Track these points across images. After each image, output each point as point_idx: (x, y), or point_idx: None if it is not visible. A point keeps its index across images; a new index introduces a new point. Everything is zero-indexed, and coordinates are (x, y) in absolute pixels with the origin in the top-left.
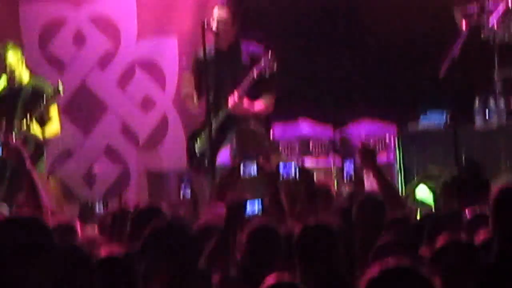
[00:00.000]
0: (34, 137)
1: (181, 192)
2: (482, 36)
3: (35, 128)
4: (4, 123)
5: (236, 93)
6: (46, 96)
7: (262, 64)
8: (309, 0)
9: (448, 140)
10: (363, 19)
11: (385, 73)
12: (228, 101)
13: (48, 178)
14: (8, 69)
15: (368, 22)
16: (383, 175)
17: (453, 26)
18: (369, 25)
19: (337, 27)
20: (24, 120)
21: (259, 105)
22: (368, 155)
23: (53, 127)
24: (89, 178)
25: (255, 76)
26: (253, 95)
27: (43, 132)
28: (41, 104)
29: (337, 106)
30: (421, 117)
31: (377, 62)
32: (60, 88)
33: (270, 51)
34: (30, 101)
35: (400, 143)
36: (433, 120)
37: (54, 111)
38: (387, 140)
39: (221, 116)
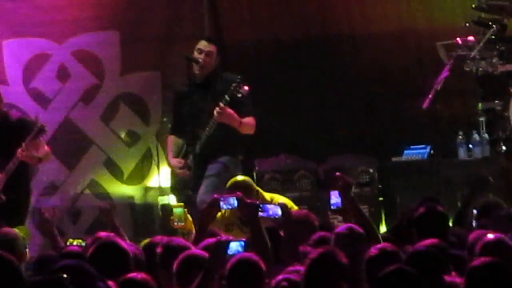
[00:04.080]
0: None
1: (174, 223)
2: (465, 67)
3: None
4: None
5: (220, 104)
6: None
7: (233, 88)
8: (291, 37)
9: (431, 171)
10: (345, 54)
11: (368, 107)
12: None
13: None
14: None
15: (350, 57)
16: (358, 207)
17: (436, 58)
18: (351, 59)
19: (319, 63)
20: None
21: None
22: (344, 187)
23: (47, 150)
24: (73, 213)
25: (228, 98)
26: None
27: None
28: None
29: (320, 140)
30: (404, 150)
31: (360, 96)
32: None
33: (241, 77)
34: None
35: (382, 175)
36: (416, 153)
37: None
38: (370, 173)
39: (199, 143)
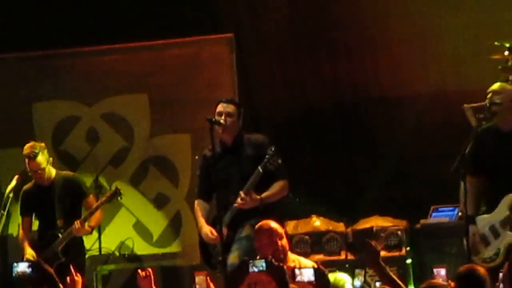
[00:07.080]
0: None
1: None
2: None
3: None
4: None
5: (241, 193)
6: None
7: (267, 160)
8: (321, 99)
9: (459, 234)
10: (375, 117)
11: (396, 170)
12: (236, 200)
13: None
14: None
15: (380, 119)
16: (386, 273)
17: (464, 122)
18: (381, 122)
19: (349, 125)
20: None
21: (268, 192)
22: (371, 254)
23: (98, 216)
24: (103, 276)
25: (261, 171)
26: (264, 185)
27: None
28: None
29: (349, 202)
30: (433, 212)
31: (389, 158)
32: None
33: (273, 144)
34: (65, 199)
35: (411, 237)
36: (445, 215)
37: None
38: (398, 235)
39: (231, 212)
